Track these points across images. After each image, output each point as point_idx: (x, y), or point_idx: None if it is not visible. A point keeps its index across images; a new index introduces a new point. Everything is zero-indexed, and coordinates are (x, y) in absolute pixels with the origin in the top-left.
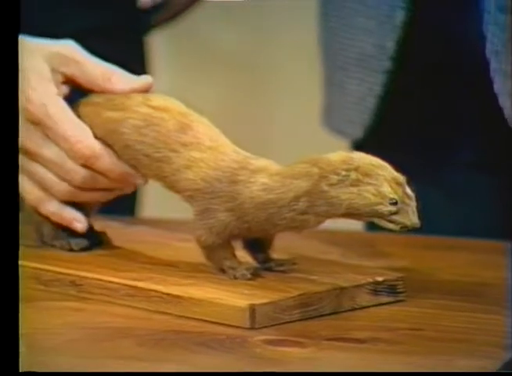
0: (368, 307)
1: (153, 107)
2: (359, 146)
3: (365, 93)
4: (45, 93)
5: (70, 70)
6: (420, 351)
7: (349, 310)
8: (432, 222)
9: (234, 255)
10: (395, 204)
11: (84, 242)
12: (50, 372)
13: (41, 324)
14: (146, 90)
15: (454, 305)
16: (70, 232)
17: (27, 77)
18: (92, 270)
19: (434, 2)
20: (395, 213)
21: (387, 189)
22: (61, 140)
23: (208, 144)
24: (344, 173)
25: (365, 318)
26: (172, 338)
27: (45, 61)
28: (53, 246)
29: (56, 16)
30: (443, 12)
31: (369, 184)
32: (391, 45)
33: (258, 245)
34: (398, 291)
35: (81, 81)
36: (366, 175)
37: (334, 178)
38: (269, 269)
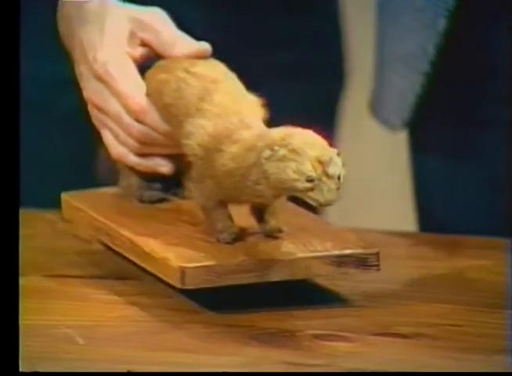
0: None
1: (190, 72)
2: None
3: (407, 89)
4: (111, 51)
5: (147, 36)
6: (461, 346)
7: (396, 304)
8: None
9: (227, 218)
10: (312, 181)
11: (156, 195)
12: (50, 372)
13: (96, 317)
14: (201, 56)
15: (489, 303)
16: (150, 185)
17: (100, 35)
18: (113, 218)
19: (474, 16)
20: (311, 190)
21: (307, 167)
22: (117, 96)
23: (216, 111)
24: (276, 148)
25: (408, 314)
26: (224, 331)
27: (128, 23)
28: (138, 198)
29: None
30: (482, 27)
31: (293, 161)
32: (431, 48)
33: (259, 211)
34: (370, 264)
35: (154, 46)
36: (293, 151)
37: (267, 152)
38: (265, 234)
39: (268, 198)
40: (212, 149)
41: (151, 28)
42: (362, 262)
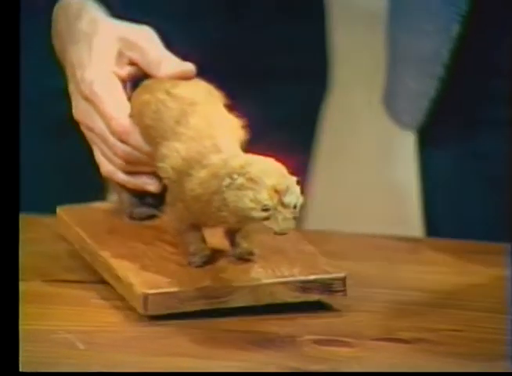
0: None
1: (170, 94)
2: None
3: (420, 92)
4: (97, 71)
5: (134, 55)
6: (462, 352)
7: (399, 310)
8: None
9: (200, 241)
10: (267, 210)
11: (145, 212)
12: (50, 372)
13: (96, 323)
14: (185, 76)
15: (492, 308)
16: (142, 201)
17: (88, 54)
18: (96, 236)
19: (486, 22)
20: (267, 219)
21: (263, 195)
22: (101, 116)
23: (191, 135)
24: (235, 177)
25: (409, 319)
26: (226, 336)
27: (116, 42)
28: (128, 215)
29: None
30: (494, 33)
31: (250, 189)
32: (445, 53)
33: (232, 234)
34: (335, 289)
35: (141, 65)
36: (251, 180)
37: (227, 180)
38: (236, 257)
39: (233, 224)
40: (184, 173)
41: (138, 47)
42: (327, 288)
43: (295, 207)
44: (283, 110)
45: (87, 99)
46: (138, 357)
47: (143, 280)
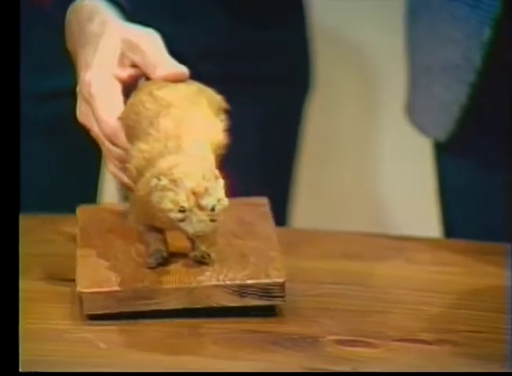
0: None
1: (152, 95)
2: (440, 145)
3: (450, 100)
4: (97, 72)
5: (135, 57)
6: (484, 352)
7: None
8: None
9: (158, 242)
10: (183, 212)
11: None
12: (50, 372)
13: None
14: (178, 78)
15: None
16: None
17: (92, 56)
18: (89, 236)
19: None
20: (183, 220)
21: (181, 197)
22: (95, 118)
23: (157, 136)
24: (161, 178)
25: (431, 320)
26: (247, 336)
27: (120, 43)
28: None
29: None
30: None
31: (171, 191)
32: (477, 59)
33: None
34: (274, 295)
35: (141, 67)
36: (173, 182)
37: (154, 181)
38: (192, 259)
39: (170, 227)
40: (140, 174)
41: (139, 50)
42: (265, 293)
43: (213, 209)
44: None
45: (86, 100)
46: (157, 356)
47: (91, 280)
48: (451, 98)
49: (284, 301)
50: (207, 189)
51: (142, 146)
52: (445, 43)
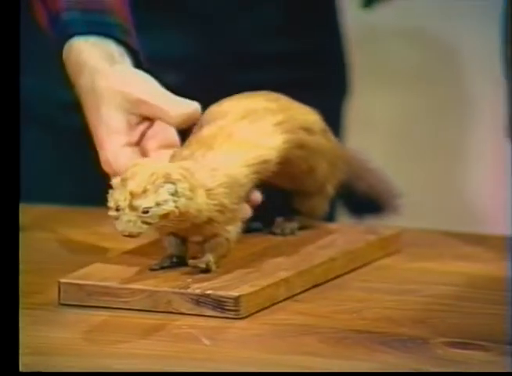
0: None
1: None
2: None
3: None
4: (112, 150)
5: (142, 111)
6: None
7: None
8: None
9: (175, 247)
10: (118, 210)
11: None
12: (50, 372)
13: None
14: (194, 118)
15: None
16: None
17: (99, 124)
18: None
19: None
20: (116, 219)
21: (119, 196)
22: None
23: (187, 144)
24: (122, 177)
25: None
26: (355, 336)
27: (123, 110)
28: None
29: None
30: None
31: (119, 189)
32: None
33: (201, 244)
34: (227, 308)
35: (152, 117)
36: (123, 181)
37: (115, 180)
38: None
39: (171, 230)
40: None
41: (141, 102)
42: (219, 305)
43: (146, 212)
44: None
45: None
46: (267, 355)
47: (83, 273)
48: None
49: (238, 315)
50: (145, 191)
51: (178, 151)
52: None
